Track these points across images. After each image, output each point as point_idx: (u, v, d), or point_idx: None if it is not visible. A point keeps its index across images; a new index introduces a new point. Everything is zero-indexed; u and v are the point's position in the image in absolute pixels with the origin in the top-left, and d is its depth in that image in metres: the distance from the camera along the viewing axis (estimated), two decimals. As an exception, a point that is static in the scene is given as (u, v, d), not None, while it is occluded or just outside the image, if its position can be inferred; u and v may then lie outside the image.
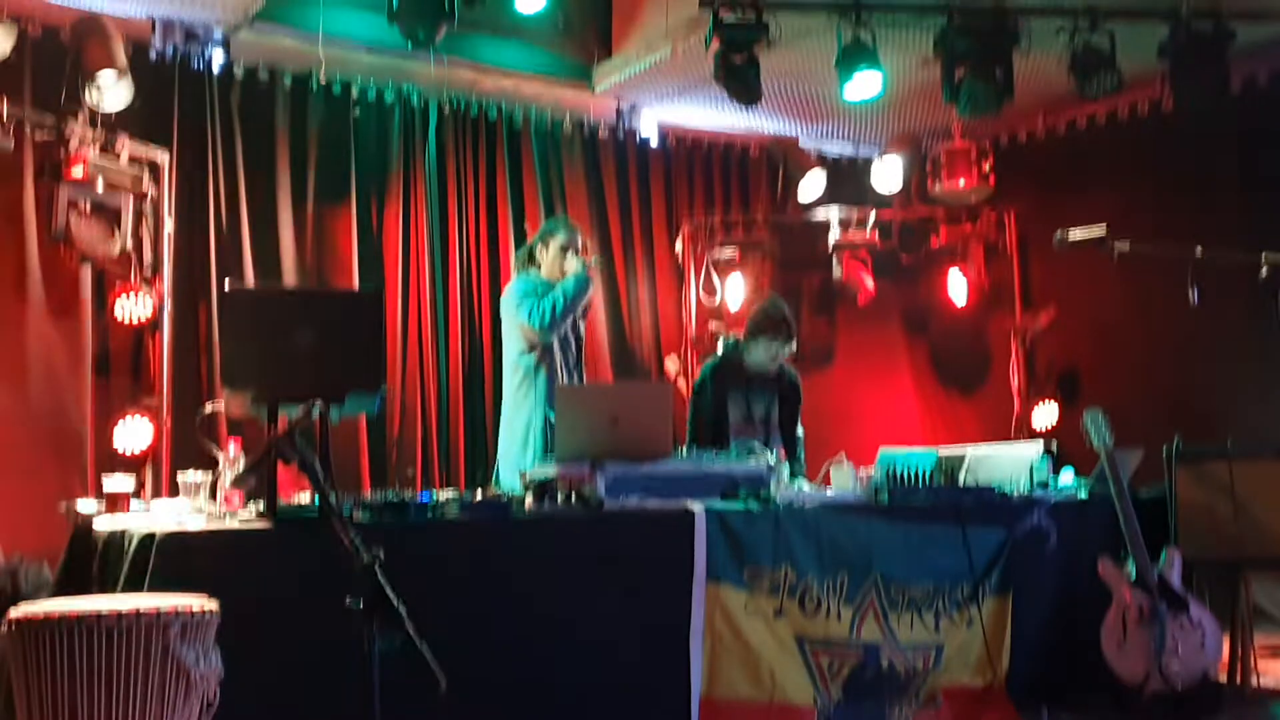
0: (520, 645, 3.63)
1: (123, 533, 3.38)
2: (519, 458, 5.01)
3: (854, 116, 7.67)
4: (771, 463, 4.42)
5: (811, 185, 7.56)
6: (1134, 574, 4.53)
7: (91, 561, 3.58)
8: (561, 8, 6.81)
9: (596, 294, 7.37)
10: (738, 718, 3.98)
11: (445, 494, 4.07)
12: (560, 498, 3.90)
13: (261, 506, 3.50)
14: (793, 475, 5.04)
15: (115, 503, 3.86)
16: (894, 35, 6.26)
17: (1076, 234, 4.69)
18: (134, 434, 5.56)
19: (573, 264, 5.12)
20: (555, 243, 5.18)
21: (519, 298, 5.11)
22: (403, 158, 6.82)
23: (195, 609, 2.85)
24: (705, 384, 5.33)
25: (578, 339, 5.33)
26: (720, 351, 5.45)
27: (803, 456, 5.42)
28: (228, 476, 3.72)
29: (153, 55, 6.04)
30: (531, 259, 5.29)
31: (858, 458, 5.12)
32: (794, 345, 5.29)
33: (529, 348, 5.11)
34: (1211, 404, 6.71)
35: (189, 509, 3.71)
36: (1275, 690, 4.98)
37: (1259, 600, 5.76)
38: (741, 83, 6.02)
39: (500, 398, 5.53)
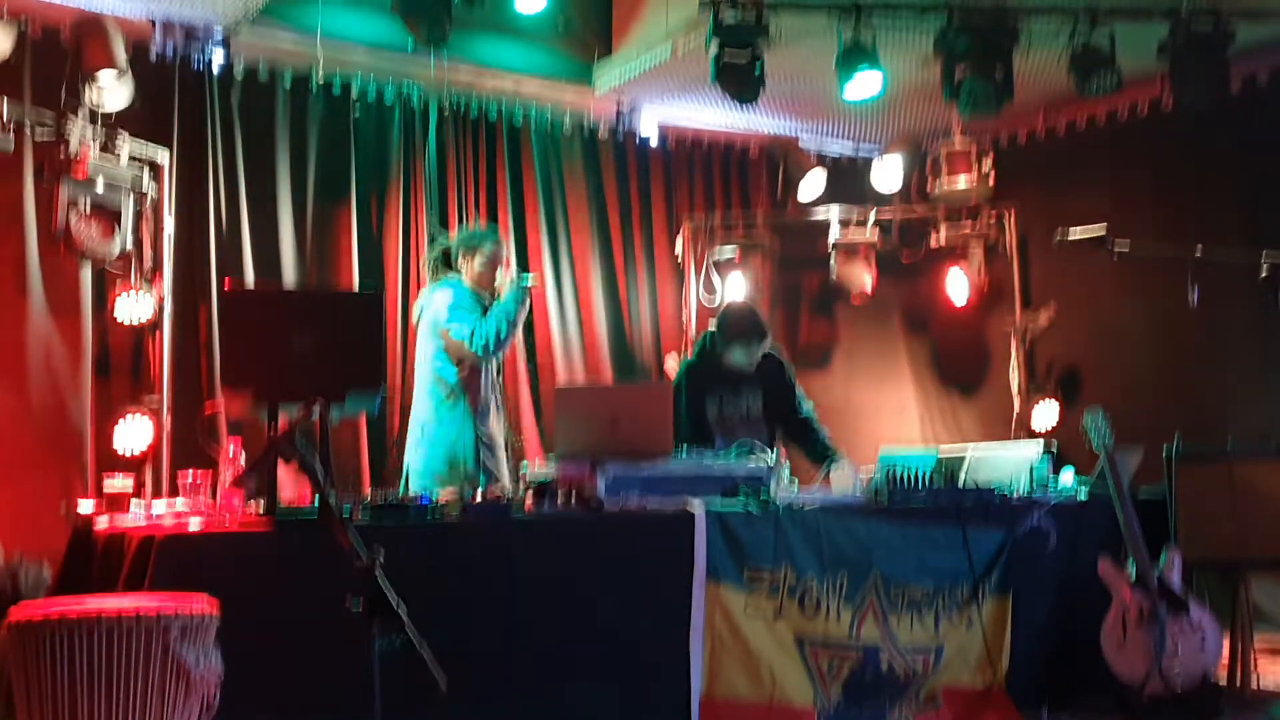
0: (520, 646, 3.63)
1: (123, 534, 3.38)
2: (444, 478, 4.80)
3: (854, 116, 7.67)
4: (772, 462, 4.43)
5: (811, 185, 7.56)
6: (1134, 574, 4.53)
7: (91, 563, 3.58)
8: (561, 8, 6.81)
9: (595, 293, 7.40)
10: (737, 718, 3.98)
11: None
12: (560, 499, 3.90)
13: (261, 505, 3.50)
14: (823, 456, 5.03)
15: (115, 503, 3.87)
16: (894, 35, 6.25)
17: (1076, 234, 4.69)
18: (134, 434, 5.55)
19: (503, 279, 4.96)
20: (481, 254, 5.01)
21: (450, 311, 4.89)
22: (403, 158, 6.81)
23: (195, 610, 2.85)
24: (681, 385, 5.30)
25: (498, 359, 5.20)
26: (696, 350, 5.44)
27: (824, 435, 5.33)
28: (228, 476, 3.73)
29: (153, 55, 6.04)
30: (448, 264, 5.11)
31: (858, 458, 5.13)
32: (769, 341, 5.27)
33: (457, 362, 4.93)
34: (1211, 404, 6.72)
35: (189, 510, 3.71)
36: (1275, 691, 4.98)
37: (1259, 600, 5.76)
38: (739, 79, 6.02)
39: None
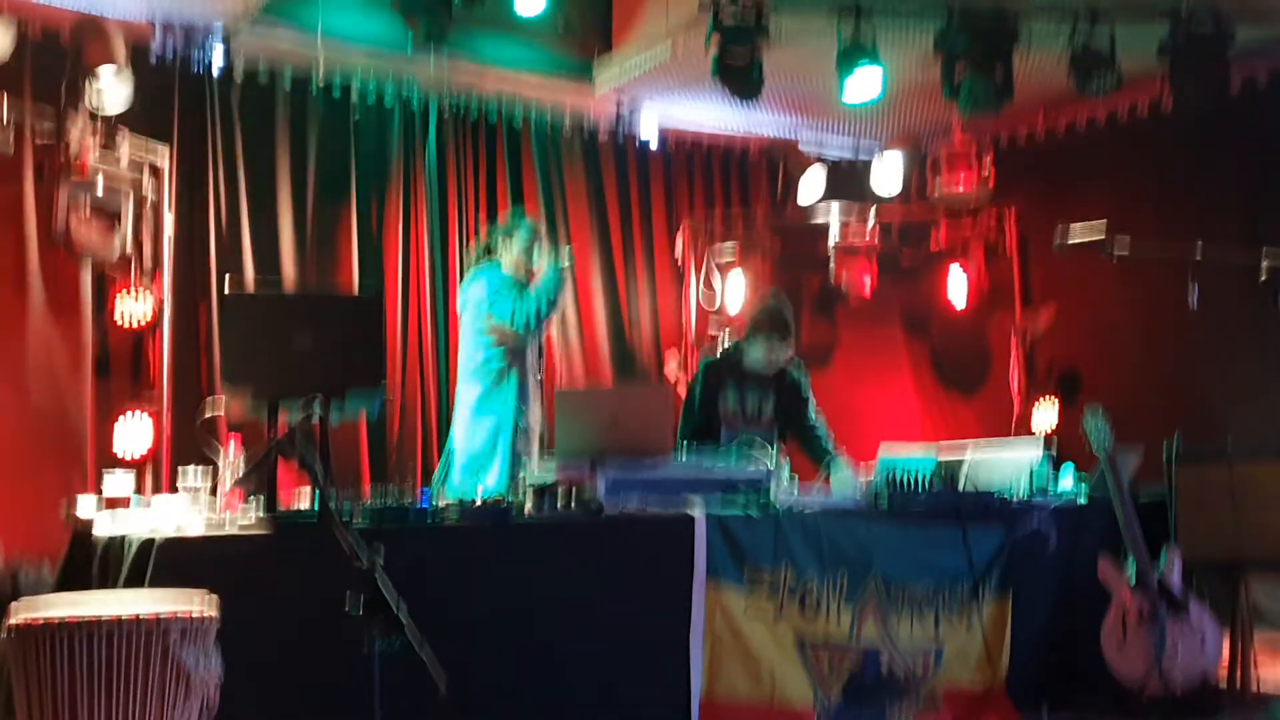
0: (520, 648, 3.63)
1: (122, 538, 3.38)
2: (483, 461, 5.03)
3: (854, 116, 7.65)
4: (771, 465, 4.42)
5: (811, 185, 7.56)
6: (1134, 575, 4.53)
7: (91, 565, 3.58)
8: (561, 7, 6.80)
9: (595, 293, 7.40)
10: (738, 718, 3.98)
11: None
12: (560, 502, 3.89)
13: (261, 505, 3.49)
14: (830, 466, 5.02)
15: (115, 503, 3.86)
16: (894, 35, 6.25)
17: (1076, 234, 4.68)
18: (134, 434, 5.56)
19: (541, 261, 5.13)
20: (518, 239, 5.22)
21: (491, 293, 5.08)
22: (403, 157, 6.82)
23: (195, 613, 2.85)
24: (699, 377, 5.37)
25: (539, 339, 5.37)
26: (720, 350, 5.48)
27: (830, 445, 5.33)
28: (228, 477, 3.72)
29: (153, 55, 6.04)
30: (489, 252, 5.30)
31: (858, 459, 5.12)
32: (791, 346, 5.27)
33: (500, 344, 5.11)
34: (1211, 404, 6.71)
35: (189, 510, 3.70)
36: (1275, 691, 4.98)
37: (1259, 601, 5.76)
38: (740, 79, 6.02)
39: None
